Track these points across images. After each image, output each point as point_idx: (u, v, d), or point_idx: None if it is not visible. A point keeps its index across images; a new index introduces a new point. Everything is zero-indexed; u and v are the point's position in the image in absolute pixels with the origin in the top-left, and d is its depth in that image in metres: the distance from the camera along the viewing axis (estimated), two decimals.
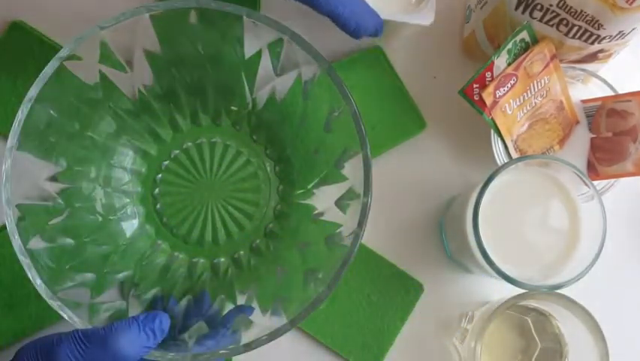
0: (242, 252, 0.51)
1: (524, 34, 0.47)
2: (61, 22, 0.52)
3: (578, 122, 0.51)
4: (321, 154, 0.49)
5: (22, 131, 0.41)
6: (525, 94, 0.49)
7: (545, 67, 0.49)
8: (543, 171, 0.46)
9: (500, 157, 0.50)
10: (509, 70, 0.47)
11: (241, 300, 0.48)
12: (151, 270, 0.50)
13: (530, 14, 0.47)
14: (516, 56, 0.48)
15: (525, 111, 0.50)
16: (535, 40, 0.48)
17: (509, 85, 0.47)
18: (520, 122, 0.50)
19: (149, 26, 0.43)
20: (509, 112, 0.49)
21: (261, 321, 0.44)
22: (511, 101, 0.48)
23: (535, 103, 0.50)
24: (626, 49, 0.49)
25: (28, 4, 0.54)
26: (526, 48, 0.48)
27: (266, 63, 0.47)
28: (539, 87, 0.49)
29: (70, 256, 0.44)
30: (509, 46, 0.47)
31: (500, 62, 0.47)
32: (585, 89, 0.52)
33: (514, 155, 0.50)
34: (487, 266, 0.43)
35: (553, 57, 0.49)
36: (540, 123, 0.51)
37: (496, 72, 0.47)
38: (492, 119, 0.48)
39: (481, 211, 0.43)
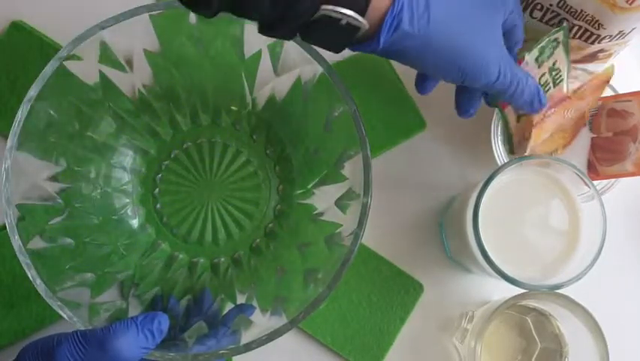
0: (242, 252, 0.51)
1: (559, 35, 0.46)
2: (61, 22, 0.52)
3: (584, 125, 0.51)
4: (321, 154, 0.49)
5: (22, 131, 0.41)
6: (566, 112, 0.49)
7: (595, 90, 0.49)
8: (543, 171, 0.46)
9: (500, 157, 0.50)
10: (562, 95, 0.47)
11: (241, 300, 0.48)
12: (151, 270, 0.50)
13: (530, 14, 0.47)
14: (543, 53, 0.47)
15: (556, 123, 0.50)
16: (568, 42, 0.47)
17: (556, 107, 0.48)
18: (547, 131, 0.50)
19: (149, 26, 0.43)
20: (547, 126, 0.49)
21: (261, 321, 0.44)
22: (553, 117, 0.49)
23: (566, 117, 0.50)
24: (626, 49, 0.49)
25: (28, 4, 0.54)
26: (555, 47, 0.47)
27: (266, 63, 0.47)
28: (582, 106, 0.50)
29: (71, 256, 0.44)
30: (543, 44, 0.46)
31: (530, 58, 0.46)
32: None
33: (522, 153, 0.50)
34: (487, 266, 0.43)
35: (605, 82, 0.49)
36: (560, 133, 0.51)
37: (524, 68, 0.46)
38: (505, 115, 0.48)
39: (481, 211, 0.43)
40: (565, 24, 0.46)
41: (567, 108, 0.49)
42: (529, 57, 0.45)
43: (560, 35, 0.46)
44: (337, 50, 0.36)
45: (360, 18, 0.33)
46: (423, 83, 0.46)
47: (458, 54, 0.37)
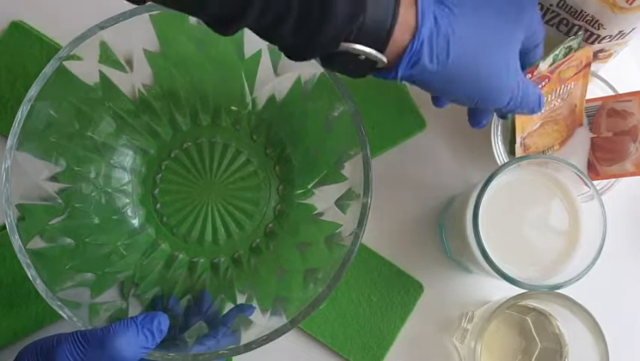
0: (242, 251, 0.51)
1: (573, 43, 0.46)
2: (61, 22, 0.52)
3: (581, 124, 0.51)
4: (321, 154, 0.49)
5: (22, 131, 0.41)
6: (550, 95, 0.48)
7: (576, 73, 0.48)
8: (543, 171, 0.46)
9: (500, 157, 0.50)
10: (545, 72, 0.46)
11: (241, 300, 0.48)
12: (151, 270, 0.50)
13: None
14: (557, 60, 0.46)
15: (543, 111, 0.48)
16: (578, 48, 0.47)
17: (541, 86, 0.46)
18: (534, 121, 0.49)
19: (149, 26, 0.43)
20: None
21: (261, 321, 0.44)
22: None
23: (554, 105, 0.49)
24: (626, 49, 0.49)
25: (28, 4, 0.54)
26: (567, 53, 0.47)
27: (266, 63, 0.47)
28: (564, 91, 0.48)
29: (70, 256, 0.44)
30: (557, 51, 0.45)
31: (544, 65, 0.46)
32: None
33: (519, 151, 0.50)
34: (487, 266, 0.43)
35: (587, 65, 0.48)
36: (550, 124, 0.50)
37: (536, 75, 0.46)
38: (514, 117, 0.47)
39: (481, 211, 0.43)
40: (580, 32, 0.46)
41: (549, 92, 0.48)
42: (543, 65, 0.45)
43: (574, 43, 0.46)
44: (357, 77, 0.36)
45: (378, 55, 0.33)
46: (439, 100, 0.46)
47: (475, 86, 0.37)
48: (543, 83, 0.46)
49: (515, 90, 0.38)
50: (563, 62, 0.46)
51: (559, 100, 0.49)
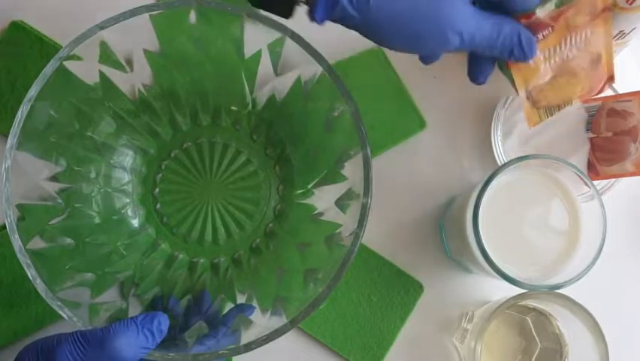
0: (242, 251, 0.51)
1: None
2: (61, 22, 0.52)
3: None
4: (321, 154, 0.49)
5: (22, 131, 0.41)
6: (558, 46, 0.43)
7: (592, 19, 0.42)
8: (543, 171, 0.46)
9: (500, 157, 0.50)
10: (546, 19, 0.41)
11: (241, 300, 0.48)
12: (151, 270, 0.50)
13: None
14: (560, 7, 0.41)
15: (552, 63, 0.44)
16: None
17: (540, 36, 0.42)
18: (542, 74, 0.44)
19: (149, 26, 0.43)
20: (531, 63, 0.43)
21: (261, 321, 0.44)
22: (537, 52, 0.42)
23: (568, 56, 0.44)
24: (626, 49, 0.49)
25: (28, 4, 0.54)
26: None
27: (266, 63, 0.47)
28: (578, 40, 0.43)
29: (70, 256, 0.44)
30: None
31: (541, 12, 0.41)
32: None
33: (526, 106, 0.45)
34: (487, 266, 0.43)
35: (605, 9, 0.42)
36: (566, 77, 0.45)
37: (533, 21, 0.41)
38: (510, 71, 0.43)
39: (481, 211, 0.43)
40: None
41: (557, 42, 0.43)
42: (541, 11, 0.41)
43: None
44: (285, 17, 0.36)
45: None
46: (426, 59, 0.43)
47: (406, 32, 0.36)
48: (545, 32, 0.42)
49: (467, 27, 0.37)
50: (570, 8, 0.41)
51: (574, 50, 0.44)
